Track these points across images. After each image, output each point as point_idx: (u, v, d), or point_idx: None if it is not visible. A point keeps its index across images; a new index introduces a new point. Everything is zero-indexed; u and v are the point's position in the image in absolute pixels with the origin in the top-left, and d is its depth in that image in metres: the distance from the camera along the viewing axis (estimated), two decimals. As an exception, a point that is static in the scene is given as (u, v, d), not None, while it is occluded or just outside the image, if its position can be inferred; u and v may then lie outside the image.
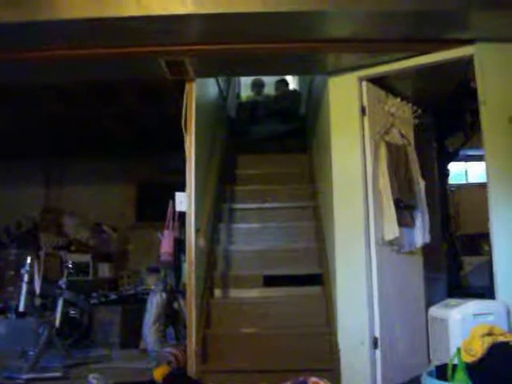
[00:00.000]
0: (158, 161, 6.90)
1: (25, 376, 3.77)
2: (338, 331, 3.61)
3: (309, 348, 3.72)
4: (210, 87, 5.09)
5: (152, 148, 6.46)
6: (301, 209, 5.02)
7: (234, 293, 4.31)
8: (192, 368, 3.52)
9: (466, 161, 8.56)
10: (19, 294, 4.17)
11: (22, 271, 4.19)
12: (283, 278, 4.32)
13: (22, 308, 4.12)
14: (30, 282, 4.15)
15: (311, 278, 4.31)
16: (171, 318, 4.54)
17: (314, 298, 4.18)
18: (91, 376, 3.33)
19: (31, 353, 4.17)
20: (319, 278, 4.27)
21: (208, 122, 4.71)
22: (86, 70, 3.78)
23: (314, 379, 2.91)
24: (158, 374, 3.38)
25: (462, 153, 6.05)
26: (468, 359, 2.45)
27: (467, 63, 3.36)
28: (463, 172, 8.96)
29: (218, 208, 4.97)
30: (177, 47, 3.35)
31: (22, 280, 4.17)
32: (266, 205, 5.04)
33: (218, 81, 5.59)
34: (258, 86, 7.54)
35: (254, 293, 4.29)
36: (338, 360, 3.51)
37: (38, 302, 4.28)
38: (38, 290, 4.18)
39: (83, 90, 5.00)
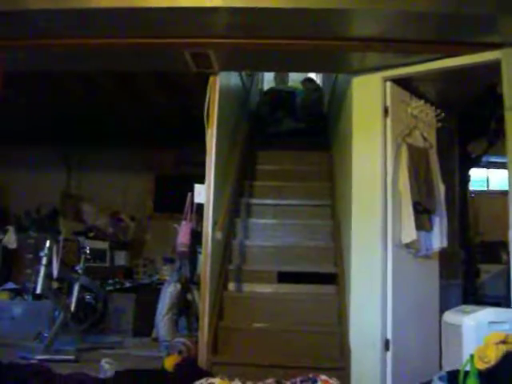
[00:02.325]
0: (178, 152, 6.95)
1: (39, 357, 3.83)
2: (349, 331, 3.61)
3: (320, 346, 3.73)
4: (234, 81, 5.10)
5: (173, 139, 6.50)
6: (318, 207, 5.02)
7: (248, 287, 4.33)
8: (203, 359, 3.55)
9: (487, 167, 8.45)
10: (37, 276, 4.23)
11: (41, 254, 4.25)
12: (297, 275, 4.33)
13: (39, 290, 4.18)
14: (48, 265, 4.21)
15: (326, 276, 4.31)
16: (184, 308, 4.57)
17: (327, 297, 4.19)
18: (104, 361, 3.37)
19: (46, 335, 4.25)
20: (334, 277, 4.27)
21: (230, 116, 4.73)
22: (111, 60, 3.82)
23: (323, 377, 2.93)
24: (169, 363, 3.42)
25: (484, 159, 5.98)
26: (481, 366, 2.43)
27: (494, 67, 3.31)
28: (484, 178, 8.84)
29: (236, 202, 4.99)
30: (203, 40, 3.37)
31: (40, 263, 4.23)
32: (284, 201, 5.05)
33: (241, 75, 5.60)
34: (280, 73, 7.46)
35: (268, 288, 4.30)
36: (348, 359, 3.51)
37: (54, 285, 4.34)
38: (55, 273, 4.23)
39: (106, 79, 5.05)
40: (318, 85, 7.66)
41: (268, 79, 8.06)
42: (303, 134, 6.58)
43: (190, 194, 4.24)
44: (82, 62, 3.87)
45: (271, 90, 7.54)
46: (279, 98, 7.18)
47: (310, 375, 2.98)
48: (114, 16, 3.12)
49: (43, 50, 3.55)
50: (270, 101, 7.23)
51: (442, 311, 3.51)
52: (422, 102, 3.98)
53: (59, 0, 3.05)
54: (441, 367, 3.25)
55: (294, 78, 7.69)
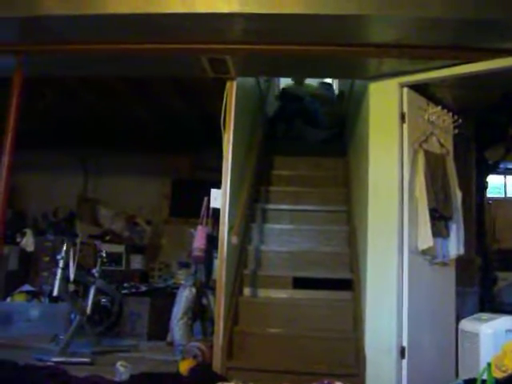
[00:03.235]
0: (194, 157, 6.99)
1: (54, 359, 3.86)
2: (365, 338, 3.59)
3: (335, 352, 3.71)
4: (250, 86, 5.12)
5: (189, 144, 6.54)
6: (334, 213, 5.01)
7: (263, 292, 4.32)
8: (217, 363, 3.55)
9: (505, 174, 8.38)
10: (53, 279, 4.26)
11: (58, 257, 4.28)
12: (313, 280, 4.32)
13: (55, 293, 4.22)
14: (65, 268, 4.24)
15: (341, 282, 4.29)
16: (199, 313, 4.58)
17: (342, 303, 4.16)
18: (119, 364, 3.39)
19: (62, 337, 4.28)
20: (349, 283, 4.25)
21: (246, 121, 4.74)
22: (128, 66, 3.87)
23: (338, 383, 2.91)
24: (184, 367, 3.42)
25: (501, 165, 5.93)
26: (498, 375, 2.41)
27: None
28: (502, 185, 8.76)
29: (252, 207, 4.99)
30: (220, 45, 3.39)
31: (57, 266, 4.26)
32: (299, 207, 5.05)
33: (258, 81, 5.62)
34: None
35: (283, 294, 4.29)
36: (363, 367, 3.48)
37: (71, 288, 4.37)
38: (71, 276, 4.27)
39: (123, 84, 5.10)
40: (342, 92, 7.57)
41: (285, 82, 8.02)
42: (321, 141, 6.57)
43: (206, 199, 4.26)
44: (99, 67, 3.92)
45: (287, 97, 7.38)
46: (297, 110, 7.05)
47: (325, 381, 2.97)
48: (131, 22, 3.16)
49: (60, 55, 3.61)
50: (284, 113, 7.10)
51: (458, 319, 3.49)
52: (439, 108, 3.96)
53: (76, 6, 3.09)
54: (457, 375, 3.23)
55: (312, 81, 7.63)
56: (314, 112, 6.99)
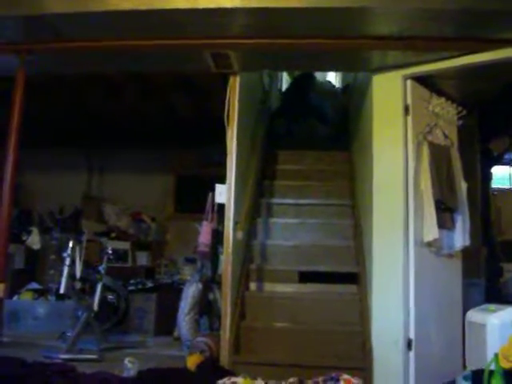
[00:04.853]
0: (198, 153, 6.97)
1: (62, 356, 3.88)
2: (371, 330, 3.59)
3: (341, 345, 3.71)
4: (253, 81, 5.11)
5: (194, 140, 6.53)
6: (339, 206, 5.01)
7: (269, 287, 4.33)
8: (224, 358, 3.56)
9: (510, 165, 8.33)
10: (60, 276, 4.28)
11: (64, 255, 4.29)
12: (319, 274, 4.32)
13: (62, 290, 4.23)
14: (71, 265, 4.26)
15: (347, 276, 4.29)
16: (206, 308, 4.59)
17: (349, 296, 4.17)
18: (127, 360, 3.40)
19: (69, 334, 4.30)
20: (355, 277, 4.25)
21: (250, 116, 4.74)
22: (131, 61, 3.87)
23: (346, 376, 2.92)
24: (191, 362, 3.44)
25: (506, 156, 5.91)
26: (506, 365, 2.41)
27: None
28: (507, 176, 8.71)
29: (257, 202, 5.00)
30: (223, 40, 3.38)
31: (63, 263, 4.28)
32: (304, 201, 5.05)
33: (261, 75, 5.60)
34: None
35: (289, 288, 4.30)
36: (370, 359, 3.49)
37: (77, 285, 4.39)
38: (78, 273, 4.29)
39: (127, 81, 5.10)
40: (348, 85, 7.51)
41: (288, 79, 8.03)
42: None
43: (210, 194, 4.26)
44: (102, 64, 3.92)
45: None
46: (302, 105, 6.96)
47: (333, 374, 2.98)
48: (134, 18, 3.16)
49: (63, 52, 3.62)
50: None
51: (464, 310, 3.49)
52: (443, 99, 3.95)
53: (78, 3, 3.09)
54: (464, 366, 3.23)
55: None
56: (319, 107, 6.97)
